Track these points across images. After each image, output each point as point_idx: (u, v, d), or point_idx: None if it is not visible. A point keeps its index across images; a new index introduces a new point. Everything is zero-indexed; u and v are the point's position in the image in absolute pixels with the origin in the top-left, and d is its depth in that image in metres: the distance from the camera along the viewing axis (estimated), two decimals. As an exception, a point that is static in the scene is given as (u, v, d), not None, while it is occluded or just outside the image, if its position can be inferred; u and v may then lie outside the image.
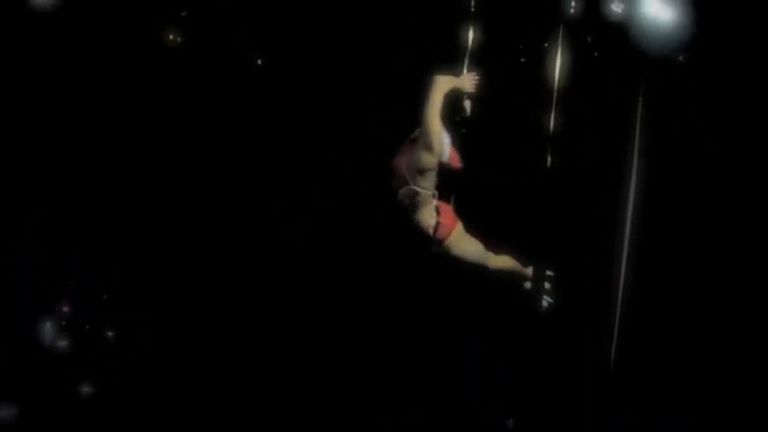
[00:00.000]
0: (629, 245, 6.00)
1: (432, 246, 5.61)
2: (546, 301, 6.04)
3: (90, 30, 6.69)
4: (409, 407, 6.52)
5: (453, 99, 5.61)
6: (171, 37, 6.80)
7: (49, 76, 6.71)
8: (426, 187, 5.49)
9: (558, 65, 5.77)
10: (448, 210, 5.66)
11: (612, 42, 6.23)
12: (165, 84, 6.91)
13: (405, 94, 6.04)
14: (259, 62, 6.89)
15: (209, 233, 7.12)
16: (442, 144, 5.44)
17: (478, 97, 5.72)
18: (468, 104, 5.63)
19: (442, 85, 5.45)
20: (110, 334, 6.73)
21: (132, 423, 6.47)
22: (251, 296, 7.04)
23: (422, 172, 5.47)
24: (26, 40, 6.61)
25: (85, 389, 6.50)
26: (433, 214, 5.53)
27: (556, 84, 5.79)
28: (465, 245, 5.69)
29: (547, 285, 6.03)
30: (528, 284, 6.08)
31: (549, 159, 5.99)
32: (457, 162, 5.61)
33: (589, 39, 6.35)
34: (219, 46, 6.91)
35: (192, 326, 6.94)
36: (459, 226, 5.68)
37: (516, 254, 5.95)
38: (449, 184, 5.71)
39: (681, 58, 6.31)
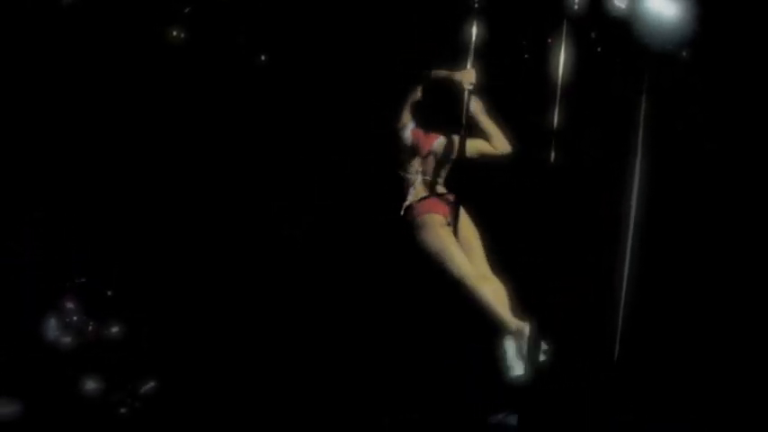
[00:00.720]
0: (632, 242, 6.01)
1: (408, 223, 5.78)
2: (518, 367, 5.61)
3: (92, 27, 6.68)
4: (409, 407, 6.50)
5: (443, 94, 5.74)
6: (174, 33, 6.81)
7: (51, 73, 6.70)
8: (402, 169, 5.87)
9: (561, 60, 5.77)
10: (437, 200, 5.79)
11: (616, 38, 6.27)
12: (166, 81, 6.91)
13: (405, 93, 6.05)
14: (262, 58, 6.91)
15: (209, 233, 7.11)
16: (402, 130, 5.83)
17: (480, 92, 5.76)
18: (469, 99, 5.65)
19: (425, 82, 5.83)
20: (111, 333, 6.71)
21: (133, 422, 6.45)
22: (251, 296, 7.03)
23: (398, 156, 5.89)
24: (27, 37, 6.60)
25: (88, 387, 6.48)
26: (410, 197, 5.81)
27: (559, 79, 5.79)
28: (430, 236, 5.71)
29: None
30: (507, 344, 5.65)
31: (552, 155, 5.99)
32: (426, 143, 5.83)
33: (593, 34, 6.39)
34: (222, 43, 6.92)
35: (193, 325, 6.92)
36: (435, 217, 5.74)
37: (512, 272, 5.81)
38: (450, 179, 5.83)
39: (684, 54, 6.35)
